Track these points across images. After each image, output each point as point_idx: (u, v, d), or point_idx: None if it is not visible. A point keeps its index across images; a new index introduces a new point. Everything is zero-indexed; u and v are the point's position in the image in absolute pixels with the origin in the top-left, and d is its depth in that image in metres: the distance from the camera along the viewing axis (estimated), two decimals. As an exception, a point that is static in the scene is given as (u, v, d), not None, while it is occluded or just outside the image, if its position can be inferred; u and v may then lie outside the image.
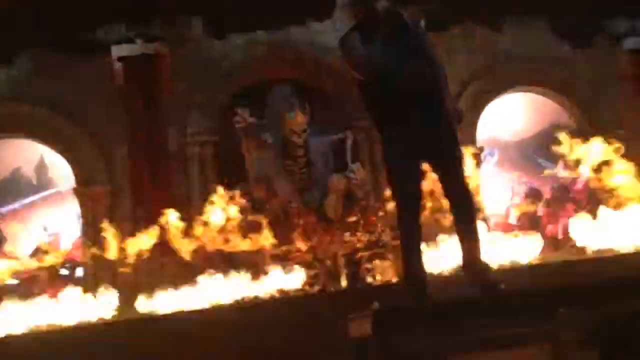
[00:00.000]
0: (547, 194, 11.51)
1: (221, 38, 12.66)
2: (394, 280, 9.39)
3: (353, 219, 10.32)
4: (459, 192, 3.64)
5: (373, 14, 3.68)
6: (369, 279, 9.44)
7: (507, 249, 9.52)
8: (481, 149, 12.17)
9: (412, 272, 3.61)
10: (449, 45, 12.86)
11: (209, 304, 8.75)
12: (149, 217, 10.48)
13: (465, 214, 3.64)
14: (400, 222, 3.66)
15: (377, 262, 9.57)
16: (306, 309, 8.15)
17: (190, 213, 10.76)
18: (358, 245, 9.87)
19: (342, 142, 11.68)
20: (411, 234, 3.63)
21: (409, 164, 3.61)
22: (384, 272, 9.52)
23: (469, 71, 12.64)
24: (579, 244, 9.59)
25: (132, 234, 9.97)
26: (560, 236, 10.65)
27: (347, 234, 9.97)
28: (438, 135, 3.63)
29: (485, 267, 3.64)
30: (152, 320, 8.60)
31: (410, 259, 3.62)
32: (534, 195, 11.45)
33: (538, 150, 12.18)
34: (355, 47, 3.63)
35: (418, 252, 3.64)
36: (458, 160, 3.66)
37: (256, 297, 8.94)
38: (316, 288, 9.41)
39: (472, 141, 12.28)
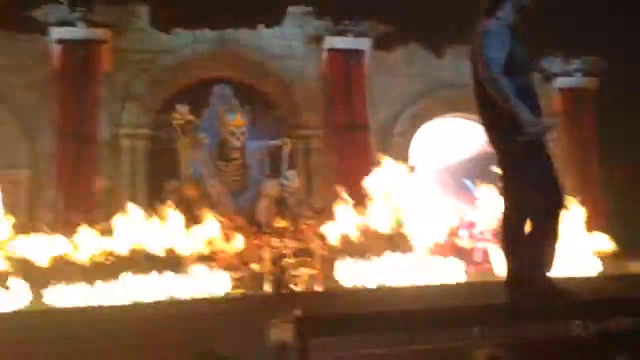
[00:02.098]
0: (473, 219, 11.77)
1: (168, 32, 12.46)
2: (319, 288, 9.38)
3: (283, 225, 10.28)
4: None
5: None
6: (294, 286, 9.38)
7: (435, 274, 9.66)
8: (413, 169, 12.39)
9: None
10: (393, 66, 13.16)
11: (128, 302, 8.49)
12: (72, 206, 10.16)
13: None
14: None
15: (303, 270, 9.53)
16: (229, 311, 8.01)
17: (118, 204, 10.47)
18: (285, 252, 9.80)
19: (279, 149, 11.70)
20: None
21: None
22: (309, 280, 9.48)
23: (410, 93, 12.88)
24: (498, 266, 9.85)
25: (54, 222, 9.61)
26: (479, 260, 10.89)
27: (276, 240, 9.90)
28: None
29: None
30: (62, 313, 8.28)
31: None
32: (460, 218, 11.68)
33: (469, 174, 12.48)
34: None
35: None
36: None
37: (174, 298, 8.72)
38: (240, 292, 9.28)
39: (406, 161, 12.54)
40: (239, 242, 9.78)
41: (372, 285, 9.13)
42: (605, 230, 10.98)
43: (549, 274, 3.53)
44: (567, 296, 3.46)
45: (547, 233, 3.49)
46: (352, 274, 9.25)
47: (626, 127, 11.58)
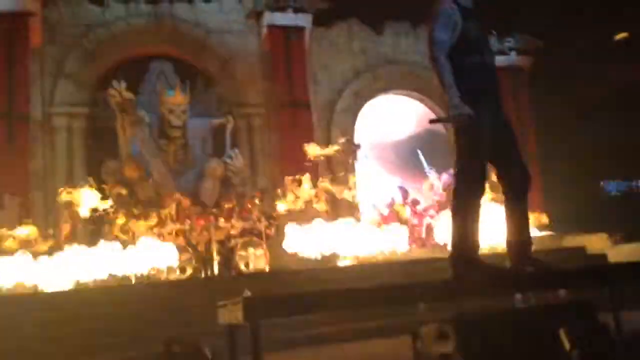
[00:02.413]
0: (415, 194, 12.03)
1: (101, 4, 11.94)
2: (266, 268, 9.38)
3: (229, 205, 10.16)
4: (523, 172, 3.66)
5: None
6: (242, 267, 9.33)
7: (379, 242, 9.87)
8: (358, 146, 12.49)
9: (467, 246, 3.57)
10: (334, 41, 13.13)
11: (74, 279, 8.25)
12: (3, 185, 9.72)
13: (524, 196, 3.68)
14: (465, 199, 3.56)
15: (250, 249, 9.48)
16: (177, 293, 7.89)
17: (54, 185, 10.07)
18: (232, 232, 9.72)
19: (221, 127, 11.50)
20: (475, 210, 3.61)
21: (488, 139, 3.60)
22: (257, 260, 9.45)
23: (352, 70, 12.90)
24: (441, 242, 10.12)
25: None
26: (423, 235, 11.17)
27: (221, 220, 9.78)
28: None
29: (531, 245, 3.70)
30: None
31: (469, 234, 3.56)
32: (403, 194, 11.91)
33: (413, 151, 12.68)
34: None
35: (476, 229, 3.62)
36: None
37: (124, 277, 8.53)
38: (188, 273, 9.16)
39: (350, 139, 12.60)
40: (184, 223, 9.63)
41: (317, 252, 9.28)
42: (540, 205, 11.44)
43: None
44: (508, 270, 3.57)
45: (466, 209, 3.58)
46: (298, 241, 9.37)
47: (561, 105, 12.01)
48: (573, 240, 10.55)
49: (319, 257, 9.23)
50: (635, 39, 12.67)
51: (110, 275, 8.50)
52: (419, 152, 11.75)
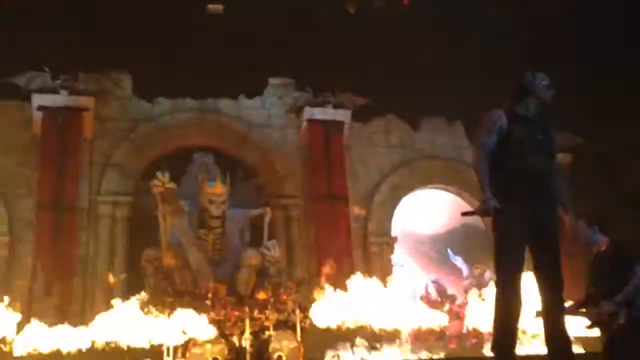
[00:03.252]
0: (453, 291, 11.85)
1: (149, 100, 12.57)
2: (300, 361, 9.25)
3: (264, 296, 10.15)
4: (557, 282, 3.83)
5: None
6: (275, 359, 9.21)
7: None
8: (395, 240, 12.51)
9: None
10: (371, 136, 13.44)
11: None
12: (49, 272, 9.96)
13: (559, 292, 3.82)
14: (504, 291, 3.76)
15: (284, 342, 9.38)
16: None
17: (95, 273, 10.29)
18: (266, 323, 9.66)
19: (259, 217, 11.67)
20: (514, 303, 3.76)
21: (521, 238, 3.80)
22: (290, 353, 9.33)
23: (389, 164, 13.12)
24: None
25: (30, 289, 9.37)
26: (464, 331, 10.89)
27: (256, 311, 9.76)
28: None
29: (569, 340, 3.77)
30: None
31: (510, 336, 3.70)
32: (438, 288, 11.75)
33: (451, 247, 12.62)
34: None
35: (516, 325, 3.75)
36: (559, 245, 3.93)
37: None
38: (224, 366, 9.08)
39: (387, 232, 12.65)
40: (219, 313, 9.63)
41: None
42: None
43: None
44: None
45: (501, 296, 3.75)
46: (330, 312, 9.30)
47: (599, 196, 11.89)
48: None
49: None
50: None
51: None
52: (450, 252, 11.71)
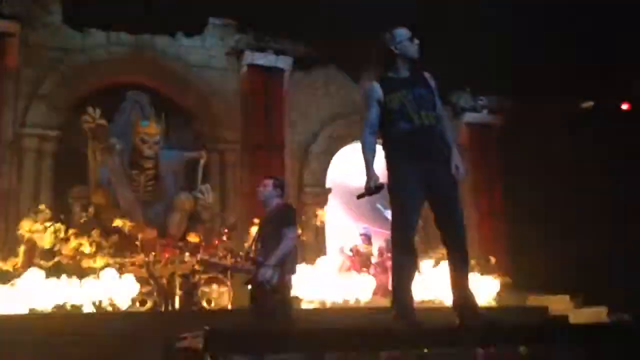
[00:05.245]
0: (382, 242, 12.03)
1: (81, 30, 11.91)
2: (229, 306, 9.22)
3: (195, 239, 10.02)
4: (458, 231, 3.80)
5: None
6: (205, 303, 9.14)
7: (343, 289, 9.87)
8: (329, 190, 12.53)
9: (404, 300, 3.74)
10: (311, 86, 13.28)
11: (29, 308, 7.96)
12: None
13: (462, 252, 3.82)
14: (399, 251, 3.74)
15: (214, 286, 9.31)
16: (136, 325, 7.68)
17: (17, 208, 9.82)
18: (197, 267, 9.54)
19: (194, 161, 11.43)
20: (409, 263, 3.81)
21: (417, 198, 3.79)
22: (220, 297, 9.28)
23: (328, 114, 13.03)
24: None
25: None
26: (389, 287, 11.10)
27: (187, 255, 9.62)
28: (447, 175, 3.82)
29: (475, 301, 3.80)
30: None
31: (405, 287, 3.71)
32: (367, 239, 11.90)
33: (381, 198, 12.71)
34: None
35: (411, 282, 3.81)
36: (460, 202, 3.92)
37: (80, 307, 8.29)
38: (148, 305, 8.94)
39: (322, 182, 12.66)
40: (148, 254, 9.43)
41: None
42: (506, 265, 11.59)
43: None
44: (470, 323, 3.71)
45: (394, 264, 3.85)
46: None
47: (529, 163, 12.27)
48: (536, 301, 10.68)
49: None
50: (599, 109, 13.17)
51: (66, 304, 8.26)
52: (379, 206, 11.84)
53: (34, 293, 8.07)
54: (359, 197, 3.98)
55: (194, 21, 12.93)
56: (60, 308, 8.11)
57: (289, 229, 4.64)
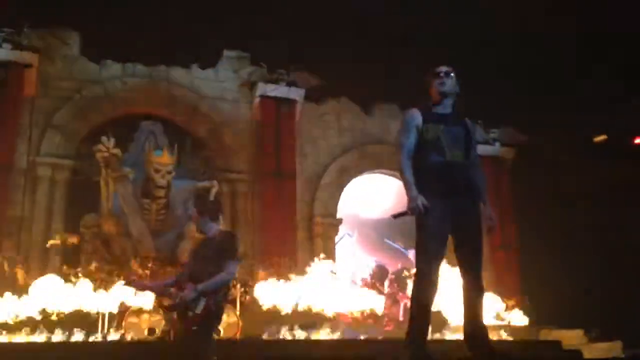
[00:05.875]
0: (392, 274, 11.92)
1: (98, 62, 12.12)
2: (238, 336, 9.14)
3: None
4: (477, 268, 3.86)
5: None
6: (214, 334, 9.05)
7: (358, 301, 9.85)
8: (340, 221, 12.50)
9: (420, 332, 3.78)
10: (323, 117, 13.37)
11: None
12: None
13: (478, 284, 3.85)
14: (423, 280, 3.81)
15: (224, 316, 9.22)
16: (143, 354, 7.64)
17: (30, 235, 9.88)
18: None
19: (206, 190, 11.48)
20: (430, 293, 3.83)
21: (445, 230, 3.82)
22: (229, 327, 9.20)
23: (339, 146, 13.08)
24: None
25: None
26: (401, 318, 10.98)
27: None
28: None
29: (487, 333, 3.80)
30: None
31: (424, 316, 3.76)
32: (380, 272, 11.80)
33: (393, 231, 12.66)
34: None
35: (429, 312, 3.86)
36: (482, 244, 3.97)
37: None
38: (156, 335, 8.86)
39: (332, 213, 12.64)
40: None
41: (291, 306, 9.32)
42: (518, 296, 11.45)
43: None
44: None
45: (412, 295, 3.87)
46: (271, 294, 9.37)
47: (541, 196, 12.22)
48: (549, 334, 10.51)
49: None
50: (612, 141, 13.14)
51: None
52: (388, 241, 11.79)
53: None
54: (396, 216, 3.97)
55: (208, 53, 13.19)
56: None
57: (231, 263, 4.37)
